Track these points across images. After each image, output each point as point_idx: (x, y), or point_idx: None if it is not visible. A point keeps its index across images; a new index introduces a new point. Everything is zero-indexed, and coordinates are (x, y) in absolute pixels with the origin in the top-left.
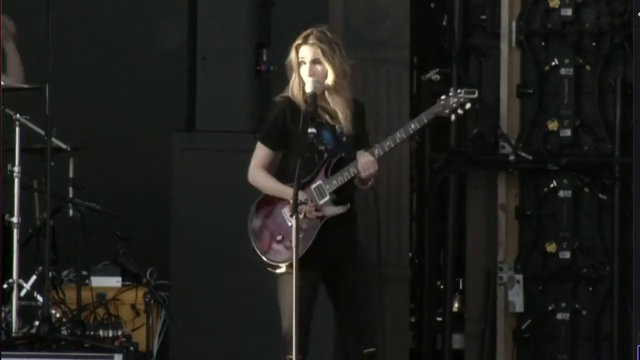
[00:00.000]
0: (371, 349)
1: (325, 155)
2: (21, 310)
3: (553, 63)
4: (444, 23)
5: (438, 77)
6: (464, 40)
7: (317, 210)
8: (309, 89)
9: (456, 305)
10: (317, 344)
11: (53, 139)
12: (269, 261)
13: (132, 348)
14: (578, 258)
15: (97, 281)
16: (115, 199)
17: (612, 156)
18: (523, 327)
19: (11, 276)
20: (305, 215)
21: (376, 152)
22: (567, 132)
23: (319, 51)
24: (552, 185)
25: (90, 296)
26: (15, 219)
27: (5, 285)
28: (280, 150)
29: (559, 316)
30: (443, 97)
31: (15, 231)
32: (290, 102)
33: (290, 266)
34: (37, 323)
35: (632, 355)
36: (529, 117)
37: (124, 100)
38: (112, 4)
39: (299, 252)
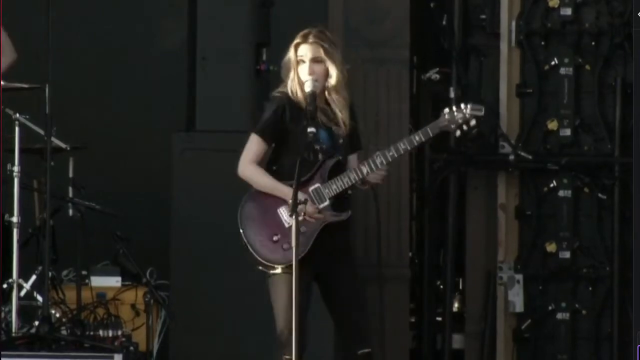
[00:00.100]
0: (366, 350)
1: (321, 155)
2: (21, 310)
3: (553, 63)
4: (444, 23)
5: (438, 76)
6: (464, 40)
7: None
8: (308, 88)
9: (456, 305)
10: (316, 344)
11: (53, 139)
12: (264, 261)
13: (132, 348)
14: (578, 258)
15: (97, 281)
16: (115, 199)
17: (612, 156)
18: (523, 327)
19: (11, 276)
20: (305, 216)
21: (378, 161)
22: (567, 132)
23: (321, 49)
24: (552, 185)
25: (90, 296)
26: (15, 219)
27: (5, 285)
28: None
29: (559, 316)
30: (447, 110)
31: (15, 231)
32: (289, 99)
33: (285, 268)
34: (37, 323)
35: (632, 355)
36: (529, 117)
37: (124, 100)
38: (112, 4)
39: (294, 254)
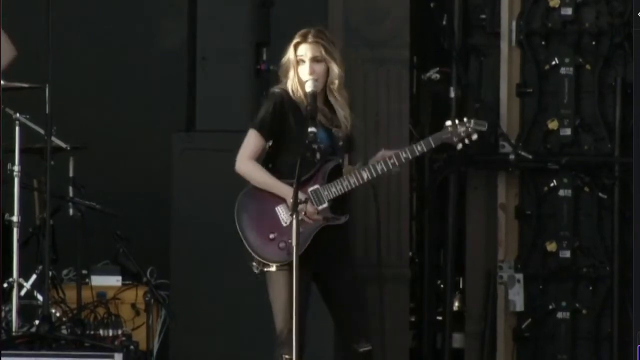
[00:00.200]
0: (367, 348)
1: (318, 155)
2: (21, 310)
3: (553, 62)
4: (444, 23)
5: (438, 76)
6: (464, 39)
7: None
8: (309, 87)
9: (456, 304)
10: (316, 344)
11: (53, 139)
12: (258, 258)
13: (132, 347)
14: (578, 257)
15: (97, 280)
16: (115, 199)
17: (612, 156)
18: (523, 326)
19: (11, 275)
20: (304, 216)
21: (379, 167)
22: (567, 132)
23: (321, 49)
24: (552, 185)
25: (90, 295)
26: (15, 218)
27: (5, 285)
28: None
29: (559, 315)
30: (450, 123)
31: (15, 230)
32: (288, 97)
33: (281, 266)
34: (37, 322)
35: (632, 355)
36: (529, 117)
37: (124, 100)
38: (112, 4)
39: (294, 254)
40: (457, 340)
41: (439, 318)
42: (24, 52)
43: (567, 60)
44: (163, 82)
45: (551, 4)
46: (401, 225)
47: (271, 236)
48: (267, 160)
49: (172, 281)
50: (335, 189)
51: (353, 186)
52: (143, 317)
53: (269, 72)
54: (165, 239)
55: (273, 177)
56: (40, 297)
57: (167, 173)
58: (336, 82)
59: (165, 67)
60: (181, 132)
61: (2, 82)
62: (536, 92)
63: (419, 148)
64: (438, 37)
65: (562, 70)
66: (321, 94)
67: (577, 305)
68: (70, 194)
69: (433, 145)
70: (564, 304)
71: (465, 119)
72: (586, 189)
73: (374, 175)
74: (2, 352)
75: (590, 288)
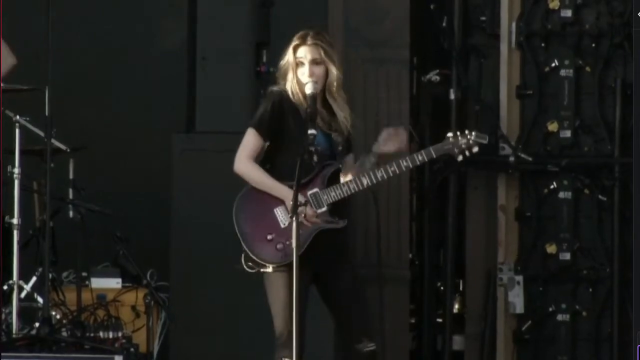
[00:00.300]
0: (371, 347)
1: (316, 157)
2: (21, 312)
3: (553, 64)
4: (444, 24)
5: (438, 78)
6: (464, 40)
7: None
8: (308, 90)
9: (456, 306)
10: (316, 344)
11: (53, 140)
12: (256, 259)
13: (132, 349)
14: (578, 259)
15: (97, 282)
16: (115, 199)
17: (612, 157)
18: (523, 328)
19: (11, 277)
20: (304, 218)
21: (379, 174)
22: (567, 133)
23: (321, 51)
24: (552, 187)
25: (90, 297)
26: (15, 221)
27: (5, 287)
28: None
29: (559, 317)
30: (450, 134)
31: (15, 232)
32: (287, 98)
33: (278, 267)
34: (37, 324)
35: (632, 356)
36: (529, 118)
37: (124, 100)
38: (112, 4)
39: (291, 256)
40: (457, 342)
41: (439, 320)
42: (24, 52)
43: (567, 62)
44: (163, 82)
45: (551, 5)
46: (401, 226)
47: (269, 237)
48: (264, 160)
49: (171, 282)
50: (335, 194)
51: (352, 191)
52: (143, 319)
53: (269, 73)
54: (165, 240)
55: (272, 178)
56: (40, 300)
57: (167, 173)
58: (335, 84)
59: (165, 67)
60: (181, 133)
61: (2, 84)
62: (536, 94)
63: (420, 157)
64: (438, 38)
65: (562, 72)
66: (319, 96)
67: (577, 307)
68: (70, 196)
69: (434, 156)
70: (564, 305)
71: (466, 131)
72: (586, 190)
73: (374, 181)
74: (3, 354)
75: (590, 290)
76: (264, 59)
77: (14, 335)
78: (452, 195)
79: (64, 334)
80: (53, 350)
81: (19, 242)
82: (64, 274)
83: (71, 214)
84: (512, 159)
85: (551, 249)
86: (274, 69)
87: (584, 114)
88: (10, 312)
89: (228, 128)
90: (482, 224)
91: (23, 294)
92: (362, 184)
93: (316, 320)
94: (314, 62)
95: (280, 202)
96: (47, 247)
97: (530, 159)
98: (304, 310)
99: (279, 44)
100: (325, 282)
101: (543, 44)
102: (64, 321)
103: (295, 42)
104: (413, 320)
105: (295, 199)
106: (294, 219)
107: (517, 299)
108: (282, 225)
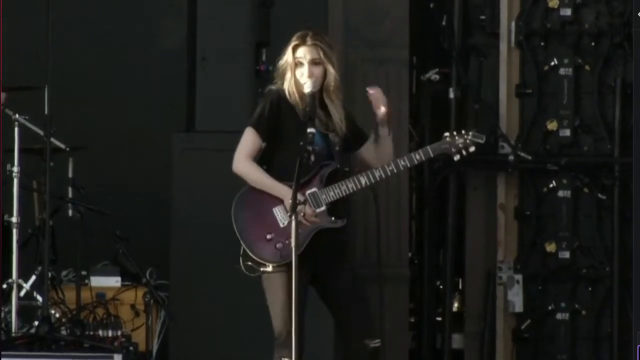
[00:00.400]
0: (376, 343)
1: (313, 157)
2: (21, 310)
3: (552, 63)
4: (444, 23)
5: (437, 77)
6: (464, 40)
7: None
8: (307, 88)
9: (456, 305)
10: (316, 344)
11: (52, 139)
12: (256, 258)
13: (131, 348)
14: (577, 258)
15: (97, 281)
16: (115, 199)
17: (611, 156)
18: (523, 327)
19: (11, 276)
20: (303, 217)
21: (377, 174)
22: (567, 132)
23: (320, 51)
24: (551, 185)
25: (89, 296)
26: (14, 219)
27: (4, 285)
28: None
29: (559, 316)
30: (447, 134)
31: (14, 231)
32: (285, 97)
33: (278, 266)
34: (36, 323)
35: (632, 355)
36: (529, 117)
37: (124, 100)
38: (112, 4)
39: (290, 255)
40: (457, 340)
41: (439, 319)
42: (24, 52)
43: (566, 60)
44: (163, 82)
45: (550, 4)
46: (401, 225)
47: (268, 236)
48: (261, 161)
49: (171, 282)
50: (334, 193)
51: (351, 191)
52: (142, 317)
53: (269, 73)
54: (165, 239)
55: (270, 177)
56: (39, 298)
57: (167, 173)
58: (332, 84)
59: (165, 67)
60: (181, 132)
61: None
62: (535, 93)
63: (418, 157)
64: (438, 38)
65: (562, 71)
66: (318, 95)
67: (576, 305)
68: (70, 195)
69: (432, 155)
70: (563, 304)
71: (463, 131)
72: (586, 189)
73: (372, 181)
74: (2, 353)
75: (590, 288)
76: (264, 57)
77: (13, 334)
78: (452, 194)
79: (64, 332)
80: (52, 348)
81: (18, 241)
82: (64, 273)
83: (70, 212)
84: (511, 157)
85: (550, 247)
86: (273, 68)
87: (584, 113)
88: (10, 311)
89: (228, 128)
90: (481, 223)
91: (22, 293)
92: (360, 183)
93: (315, 319)
94: (313, 62)
95: (279, 201)
96: (47, 245)
97: (529, 157)
98: (302, 309)
99: (279, 43)
100: (324, 282)
101: (542, 43)
102: (64, 320)
103: (294, 42)
104: (413, 319)
105: (294, 197)
106: (292, 218)
107: (516, 297)
108: (282, 225)
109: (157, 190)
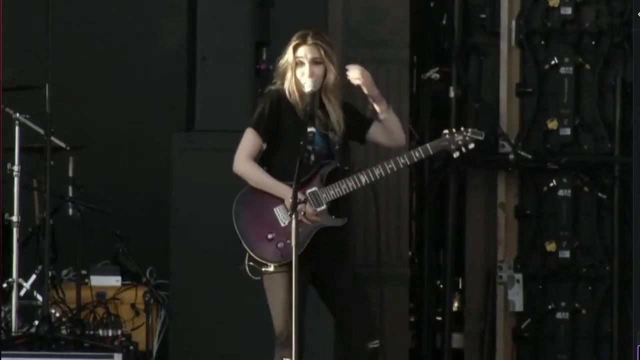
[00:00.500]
0: (375, 344)
1: (313, 156)
2: (21, 310)
3: (553, 62)
4: (444, 22)
5: (438, 76)
6: (464, 39)
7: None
8: (308, 87)
9: (456, 304)
10: (316, 344)
11: (53, 138)
12: (258, 258)
13: (131, 347)
14: (578, 257)
15: (97, 280)
16: (115, 198)
17: (611, 155)
18: (523, 326)
19: (11, 275)
20: (304, 216)
21: (377, 172)
22: (567, 131)
23: (321, 51)
24: (551, 185)
25: (89, 295)
26: (15, 218)
27: (5, 285)
28: (265, 142)
29: (559, 315)
30: (446, 131)
31: (15, 230)
32: (284, 97)
33: (279, 266)
34: (36, 322)
35: (632, 355)
36: (529, 116)
37: (124, 100)
38: (112, 4)
39: (291, 255)
40: (457, 340)
41: (439, 318)
42: (24, 52)
43: (566, 59)
44: (163, 82)
45: (551, 3)
46: (401, 224)
47: (269, 236)
48: (261, 162)
49: (171, 281)
50: (334, 192)
51: (351, 189)
52: (143, 317)
53: (269, 72)
54: (165, 239)
55: (271, 177)
56: (39, 297)
57: (167, 173)
58: (332, 84)
59: (165, 67)
60: (181, 132)
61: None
62: (536, 92)
63: (417, 154)
64: (438, 37)
65: (562, 69)
66: (318, 94)
67: (576, 305)
68: (70, 194)
69: (431, 152)
70: (563, 304)
71: (462, 128)
72: (586, 188)
73: (372, 179)
74: (2, 352)
75: (590, 288)
76: (264, 57)
77: (13, 333)
78: (452, 193)
79: (64, 332)
80: (52, 348)
81: (18, 240)
82: (64, 272)
83: (71, 211)
84: (511, 156)
85: (551, 247)
86: (273, 68)
87: (584, 112)
88: (10, 310)
89: (228, 127)
90: (481, 223)
91: (22, 292)
92: (360, 181)
93: (315, 319)
94: (314, 61)
95: (279, 201)
96: (47, 244)
97: (530, 156)
98: (302, 309)
99: (279, 43)
100: (324, 281)
101: (543, 42)
102: (64, 319)
103: (295, 41)
104: (413, 319)
105: (294, 197)
106: (293, 217)
107: (516, 297)
108: (282, 224)
109: (157, 190)
